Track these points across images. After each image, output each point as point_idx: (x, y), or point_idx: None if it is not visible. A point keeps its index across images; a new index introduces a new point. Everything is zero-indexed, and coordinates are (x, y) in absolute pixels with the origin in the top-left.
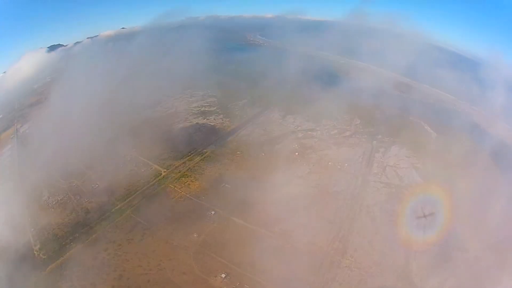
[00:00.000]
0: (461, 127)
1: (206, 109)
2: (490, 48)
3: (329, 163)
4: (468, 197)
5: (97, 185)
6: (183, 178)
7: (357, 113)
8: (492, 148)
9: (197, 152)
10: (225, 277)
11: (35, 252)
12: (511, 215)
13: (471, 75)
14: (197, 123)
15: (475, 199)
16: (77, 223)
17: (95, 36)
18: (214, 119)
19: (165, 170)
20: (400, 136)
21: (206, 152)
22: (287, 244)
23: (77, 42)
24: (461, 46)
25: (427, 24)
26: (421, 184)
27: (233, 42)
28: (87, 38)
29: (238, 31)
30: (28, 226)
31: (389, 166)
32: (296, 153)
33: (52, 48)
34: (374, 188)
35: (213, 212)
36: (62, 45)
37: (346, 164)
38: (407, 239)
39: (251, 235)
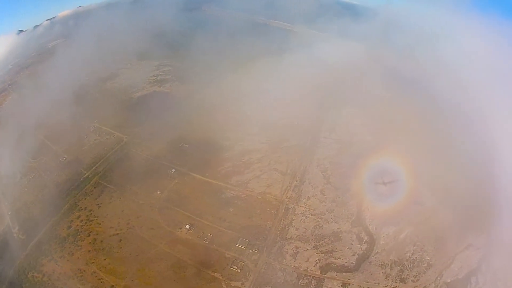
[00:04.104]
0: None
1: (162, 77)
2: None
3: (280, 121)
4: (421, 155)
5: (64, 158)
6: (144, 142)
7: (307, 75)
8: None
9: (156, 117)
10: (189, 228)
11: (15, 235)
12: (461, 169)
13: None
14: (154, 91)
15: (427, 156)
16: (50, 197)
17: (53, 17)
18: (170, 86)
19: (127, 136)
20: (350, 96)
21: (164, 116)
22: (244, 194)
23: (36, 25)
24: None
25: None
26: (371, 140)
27: (189, 13)
28: (46, 20)
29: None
30: (5, 211)
31: (340, 125)
32: (249, 113)
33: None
34: (324, 144)
35: (173, 170)
36: (22, 31)
37: (297, 122)
38: (359, 190)
39: (210, 188)
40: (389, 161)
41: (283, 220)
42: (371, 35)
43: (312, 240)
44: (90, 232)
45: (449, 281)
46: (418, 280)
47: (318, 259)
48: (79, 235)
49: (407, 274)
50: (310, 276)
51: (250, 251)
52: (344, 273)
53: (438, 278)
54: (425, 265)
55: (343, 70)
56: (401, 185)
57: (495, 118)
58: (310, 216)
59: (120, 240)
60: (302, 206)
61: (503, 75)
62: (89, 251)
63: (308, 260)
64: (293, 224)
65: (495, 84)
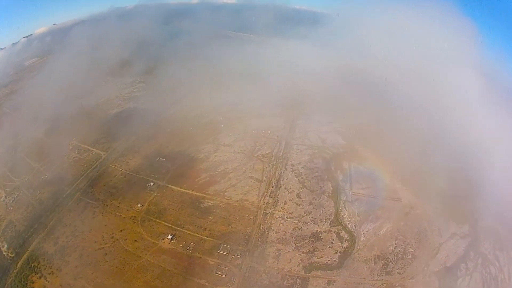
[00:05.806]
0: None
1: (136, 94)
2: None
3: (253, 131)
4: (394, 153)
5: (46, 176)
6: (122, 157)
7: (278, 87)
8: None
9: (132, 132)
10: (172, 238)
11: (4, 253)
12: (435, 163)
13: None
14: (129, 107)
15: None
16: (35, 215)
17: (30, 35)
18: (144, 102)
19: (105, 152)
20: (321, 104)
21: (140, 132)
22: (222, 203)
23: (14, 43)
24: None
25: None
26: (343, 144)
27: (162, 29)
28: (23, 37)
29: (168, 17)
30: None
31: (312, 131)
32: (222, 125)
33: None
34: (297, 150)
35: (152, 183)
36: (1, 48)
37: (269, 131)
38: (335, 191)
39: (189, 199)
40: (362, 161)
41: (262, 225)
42: (338, 43)
43: (292, 242)
44: (76, 247)
45: (437, 270)
46: (404, 272)
47: (301, 260)
48: (66, 250)
49: (392, 267)
50: (294, 276)
51: (233, 256)
52: (328, 271)
53: (425, 268)
54: (410, 257)
55: (312, 78)
56: (376, 184)
57: (465, 111)
58: (289, 219)
59: (106, 254)
60: (280, 210)
61: (468, 72)
62: (76, 266)
63: (290, 261)
64: (272, 228)
65: (462, 82)
